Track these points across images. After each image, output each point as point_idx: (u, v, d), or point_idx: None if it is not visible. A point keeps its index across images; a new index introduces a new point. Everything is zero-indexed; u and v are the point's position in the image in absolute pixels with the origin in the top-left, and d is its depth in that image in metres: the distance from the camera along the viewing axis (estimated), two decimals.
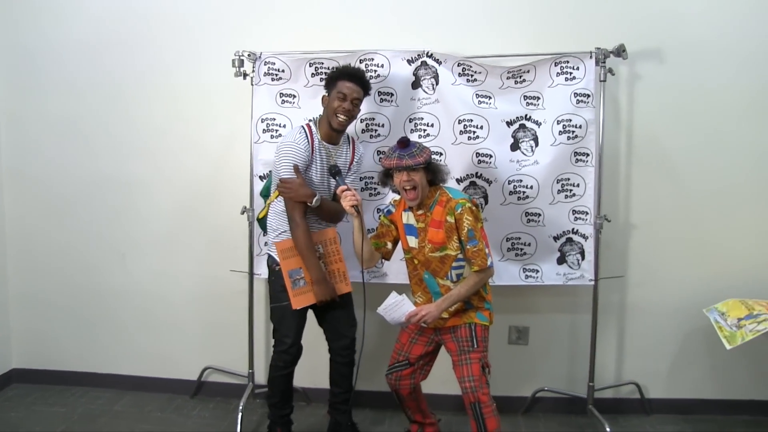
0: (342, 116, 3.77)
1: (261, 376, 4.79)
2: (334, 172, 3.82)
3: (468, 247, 3.53)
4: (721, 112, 4.52)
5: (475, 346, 3.64)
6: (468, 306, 3.69)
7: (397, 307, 3.64)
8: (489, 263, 3.57)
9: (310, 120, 3.94)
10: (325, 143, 3.86)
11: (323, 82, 3.99)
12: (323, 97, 3.91)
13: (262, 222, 4.14)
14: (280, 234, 3.88)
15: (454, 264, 3.64)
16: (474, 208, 3.58)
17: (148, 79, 4.89)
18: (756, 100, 4.49)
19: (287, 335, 3.91)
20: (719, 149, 4.55)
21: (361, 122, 4.33)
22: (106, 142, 4.98)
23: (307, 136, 3.80)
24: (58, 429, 4.45)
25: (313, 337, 4.12)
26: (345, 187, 3.71)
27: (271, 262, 3.96)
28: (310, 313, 4.03)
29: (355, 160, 4.02)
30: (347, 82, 3.80)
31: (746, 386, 4.72)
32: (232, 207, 4.66)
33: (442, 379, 4.39)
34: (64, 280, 5.15)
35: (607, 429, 4.23)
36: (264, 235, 4.19)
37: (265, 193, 4.15)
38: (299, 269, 3.84)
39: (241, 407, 4.42)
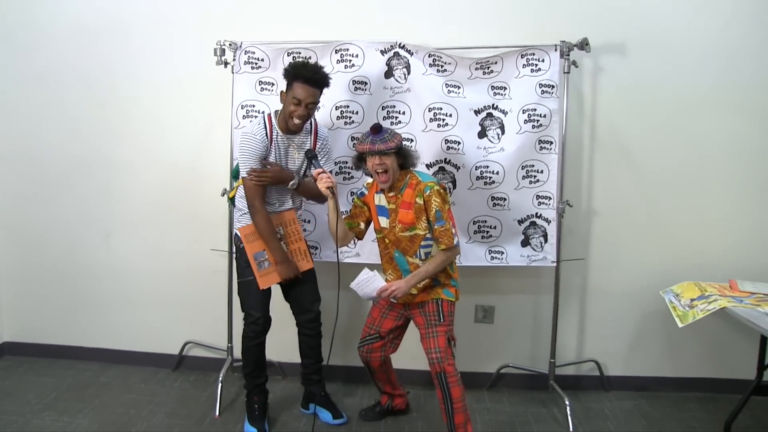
0: (297, 120, 3.89)
1: (239, 351, 4.91)
2: (310, 156, 3.99)
3: (436, 227, 3.72)
4: (680, 104, 4.69)
5: (442, 320, 3.83)
6: (435, 283, 3.89)
7: (369, 283, 3.83)
8: (455, 242, 3.76)
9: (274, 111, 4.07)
10: (282, 133, 4.01)
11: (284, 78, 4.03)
12: (281, 92, 3.98)
13: (233, 201, 4.31)
14: (243, 214, 4.09)
15: (423, 243, 3.82)
16: (442, 190, 3.76)
17: (134, 65, 5.00)
18: (711, 92, 4.66)
19: (254, 308, 4.12)
20: (677, 140, 4.72)
21: (336, 109, 4.47)
22: (92, 126, 5.10)
23: (265, 127, 3.95)
24: (50, 397, 4.63)
25: (285, 314, 4.31)
26: (321, 170, 3.86)
27: (237, 241, 4.16)
28: (276, 287, 4.23)
29: (318, 144, 4.14)
30: (304, 85, 3.84)
31: (699, 365, 4.92)
32: (212, 189, 4.83)
33: (412, 354, 4.57)
34: (51, 258, 5.29)
35: (567, 402, 4.40)
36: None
37: (236, 175, 4.30)
38: (263, 251, 4.05)
39: (220, 379, 4.59)
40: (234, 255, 4.26)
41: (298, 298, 4.27)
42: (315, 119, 4.17)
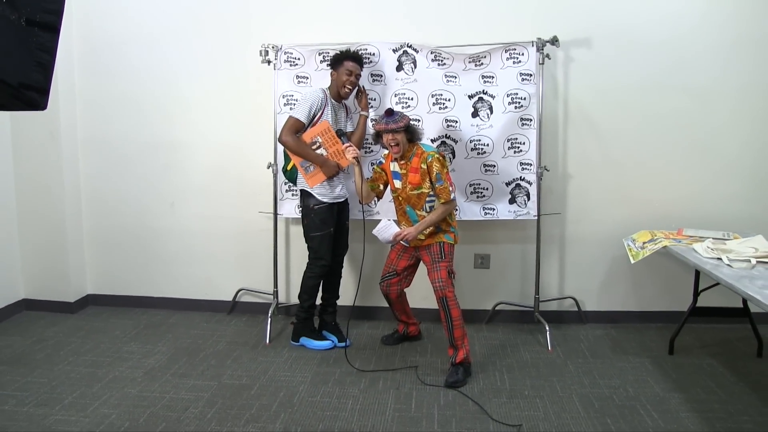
0: (348, 86, 4.91)
1: (283, 295, 5.95)
2: (341, 134, 4.90)
3: (437, 186, 4.61)
4: (635, 85, 5.47)
5: (443, 258, 4.72)
6: (438, 229, 4.76)
7: (387, 229, 4.75)
8: (452, 197, 4.66)
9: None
10: (332, 100, 4.98)
11: (329, 66, 5.02)
12: (331, 72, 4.96)
13: (290, 173, 5.18)
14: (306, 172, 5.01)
15: (428, 199, 4.71)
16: (441, 158, 4.66)
17: (192, 63, 5.85)
18: (660, 77, 5.46)
19: (325, 256, 5.08)
20: (633, 115, 5.52)
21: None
22: (159, 114, 5.97)
23: (325, 92, 4.94)
24: (132, 333, 5.63)
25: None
26: (348, 144, 4.81)
27: (309, 202, 5.03)
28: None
29: (350, 117, 5.21)
30: (351, 62, 4.87)
31: (658, 300, 5.75)
32: (259, 163, 5.69)
33: (423, 295, 5.49)
34: (126, 223, 6.20)
35: (547, 328, 5.28)
36: (294, 185, 5.25)
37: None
38: (305, 160, 4.95)
39: (269, 315, 5.53)
40: (309, 215, 5.04)
41: (334, 246, 5.18)
42: (344, 103, 5.12)
